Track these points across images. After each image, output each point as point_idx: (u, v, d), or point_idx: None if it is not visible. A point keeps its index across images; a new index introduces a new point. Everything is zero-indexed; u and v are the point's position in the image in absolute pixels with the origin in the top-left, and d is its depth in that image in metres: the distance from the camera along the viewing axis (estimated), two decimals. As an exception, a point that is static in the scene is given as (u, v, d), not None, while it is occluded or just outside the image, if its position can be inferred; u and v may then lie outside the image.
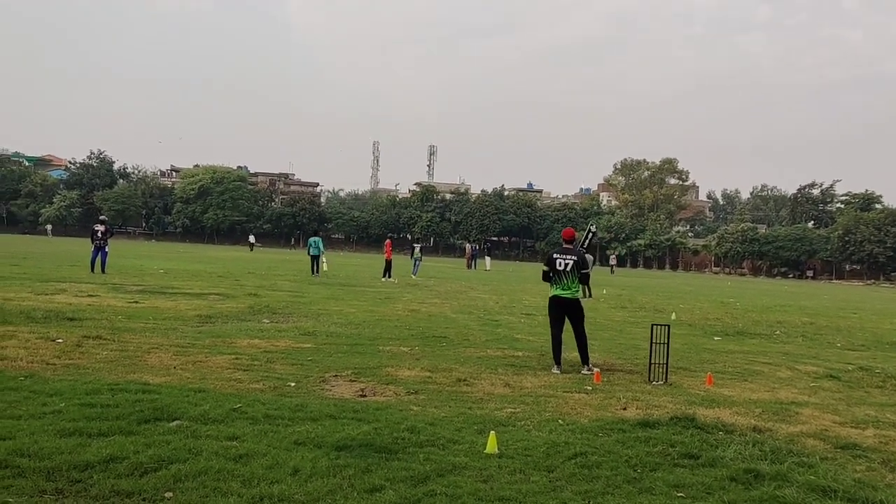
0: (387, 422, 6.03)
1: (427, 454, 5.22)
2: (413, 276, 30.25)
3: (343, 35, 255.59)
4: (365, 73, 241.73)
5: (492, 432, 5.54)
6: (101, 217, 24.83)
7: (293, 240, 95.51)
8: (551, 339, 9.62)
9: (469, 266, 49.19)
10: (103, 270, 21.98)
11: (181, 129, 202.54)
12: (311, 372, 8.19)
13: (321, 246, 28.45)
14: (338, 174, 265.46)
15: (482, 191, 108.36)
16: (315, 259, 28.10)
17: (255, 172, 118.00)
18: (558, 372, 9.20)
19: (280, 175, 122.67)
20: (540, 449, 5.52)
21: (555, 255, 9.70)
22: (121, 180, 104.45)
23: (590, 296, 23.43)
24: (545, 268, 9.78)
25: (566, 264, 9.53)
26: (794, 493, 4.76)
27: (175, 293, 16.99)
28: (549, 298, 9.76)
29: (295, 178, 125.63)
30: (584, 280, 9.85)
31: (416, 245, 34.92)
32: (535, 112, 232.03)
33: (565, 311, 9.58)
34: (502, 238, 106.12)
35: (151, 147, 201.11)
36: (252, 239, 74.03)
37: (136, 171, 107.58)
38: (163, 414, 5.81)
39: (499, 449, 5.39)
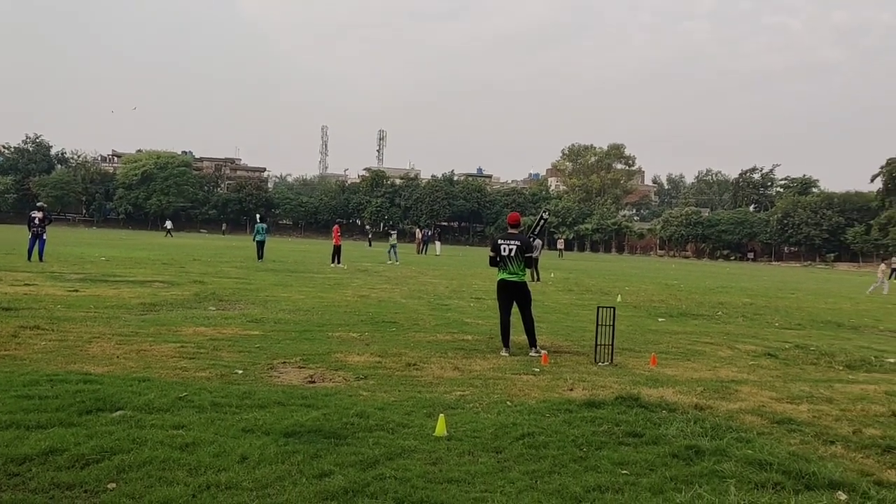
0: (336, 407, 6.01)
1: (376, 438, 5.23)
2: (397, 263, 31.05)
3: (293, 17, 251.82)
4: (315, 57, 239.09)
5: (441, 415, 5.58)
6: (39, 203, 24.07)
7: (224, 225, 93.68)
8: (500, 322, 9.71)
9: (419, 251, 49.22)
10: (41, 258, 21.30)
11: (123, 113, 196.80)
12: (258, 359, 8.11)
13: (264, 232, 28.88)
14: (286, 159, 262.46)
15: (432, 176, 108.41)
16: (260, 245, 28.11)
17: (201, 158, 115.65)
18: (506, 355, 9.30)
19: (226, 160, 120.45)
20: (488, 430, 5.59)
21: (500, 241, 9.77)
22: (59, 165, 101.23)
23: (538, 279, 23.70)
24: (491, 253, 9.85)
25: (510, 249, 9.59)
26: (732, 468, 4.92)
27: (117, 281, 16.59)
28: (497, 282, 9.85)
29: (241, 163, 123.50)
30: (530, 264, 9.94)
31: (392, 232, 36.24)
32: (486, 97, 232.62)
33: (512, 295, 9.67)
34: (452, 223, 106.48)
35: (92, 132, 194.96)
36: (168, 224, 70.33)
37: (75, 157, 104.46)
38: (105, 404, 5.69)
39: (448, 431, 5.43)
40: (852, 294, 27.51)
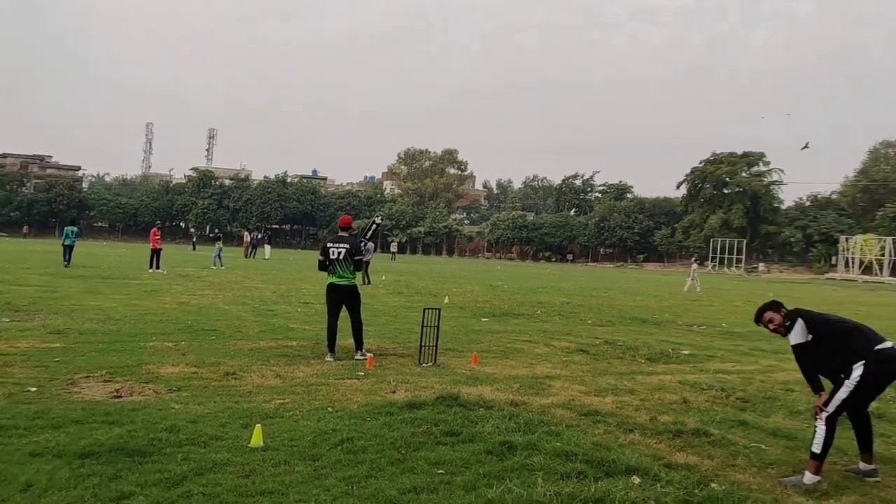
0: (143, 423, 5.66)
1: (186, 453, 4.97)
2: (222, 268, 29.92)
3: (117, 10, 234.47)
4: (140, 53, 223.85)
5: (258, 425, 5.41)
6: None
7: (26, 227, 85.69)
8: (327, 326, 9.59)
9: (247, 255, 47.64)
10: None
11: None
12: (57, 374, 7.46)
13: (74, 236, 26.76)
14: (105, 158, 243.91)
15: (265, 177, 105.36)
16: (68, 249, 25.98)
17: (4, 154, 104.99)
18: (331, 359, 9.21)
19: (35, 157, 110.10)
20: (307, 438, 5.49)
21: (329, 244, 9.70)
22: None
23: (368, 283, 23.71)
24: (321, 257, 9.74)
25: (339, 252, 9.54)
26: (541, 460, 5.16)
27: None
28: (326, 286, 9.74)
29: (53, 160, 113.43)
30: (359, 267, 9.91)
31: (219, 235, 35.15)
32: (321, 98, 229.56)
33: (341, 299, 9.61)
34: (284, 226, 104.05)
35: None
36: (25, 230, 64.11)
37: None
38: None
39: (264, 442, 5.27)
40: (657, 292, 29.91)
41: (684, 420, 6.55)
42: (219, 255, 31.66)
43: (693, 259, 42.23)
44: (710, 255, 74.35)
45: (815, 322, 5.34)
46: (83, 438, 5.14)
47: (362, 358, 9.30)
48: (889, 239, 62.57)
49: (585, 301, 21.70)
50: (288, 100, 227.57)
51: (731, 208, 77.73)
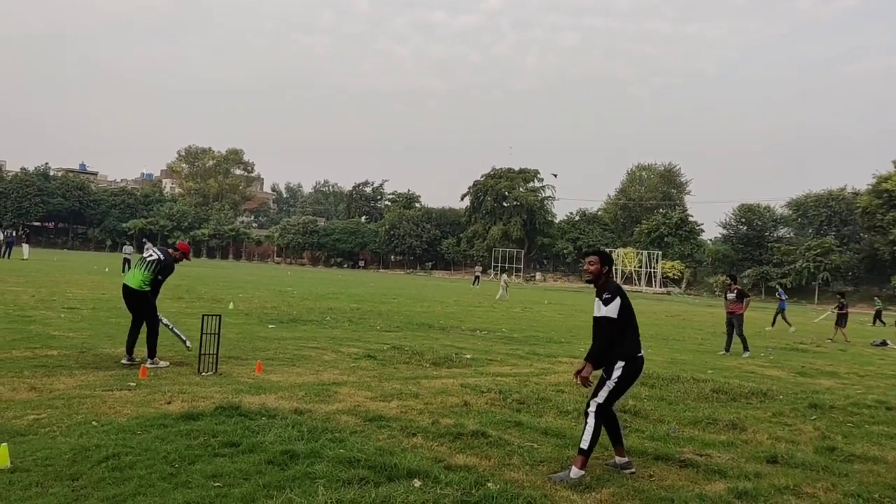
0: None
1: (-89, 481, 4.31)
2: None
3: None
4: None
5: (4, 444, 4.82)
6: None
7: None
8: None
9: (1, 255, 42.55)
10: None
11: None
12: None
13: None
14: None
15: (22, 169, 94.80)
16: None
17: None
18: (126, 362, 8.95)
19: None
20: (65, 456, 5.00)
21: (149, 246, 9.53)
22: None
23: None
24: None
25: (151, 255, 9.41)
26: (324, 468, 5.10)
27: None
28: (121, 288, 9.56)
29: None
30: (155, 280, 9.42)
31: None
32: (91, 86, 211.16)
33: (129, 302, 9.32)
34: (47, 224, 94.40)
35: None
36: None
37: None
38: None
39: (12, 462, 4.72)
40: (444, 298, 30.96)
41: (464, 422, 6.81)
42: None
43: (503, 271, 44.22)
44: (493, 263, 78.42)
45: (625, 307, 5.50)
46: None
47: (153, 366, 8.94)
48: (645, 252, 69.95)
49: (375, 307, 21.92)
50: (46, 84, 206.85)
51: (510, 220, 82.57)
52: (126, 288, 9.26)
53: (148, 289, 9.22)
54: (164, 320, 9.46)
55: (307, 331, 14.33)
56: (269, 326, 14.63)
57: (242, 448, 5.48)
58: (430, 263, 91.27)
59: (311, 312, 18.40)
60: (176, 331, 9.55)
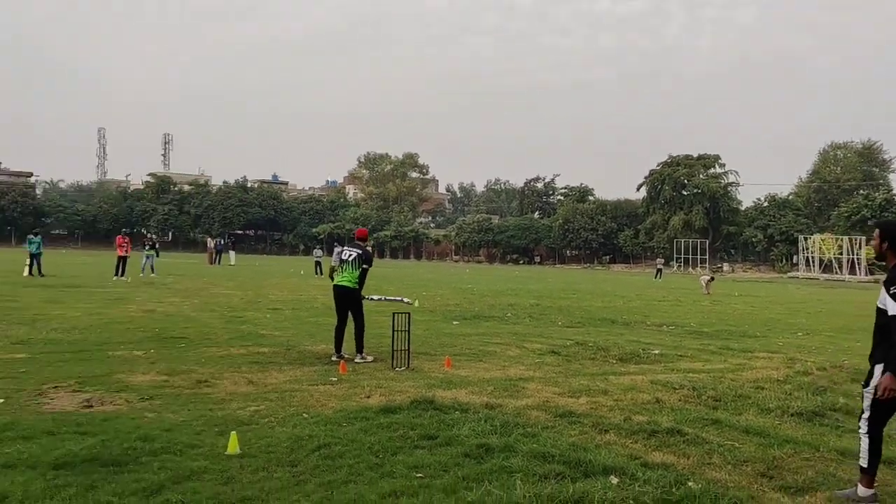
0: (116, 432, 5.57)
1: (162, 462, 4.92)
2: (153, 276, 27.89)
3: (64, 11, 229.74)
4: (88, 53, 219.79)
5: (233, 432, 5.37)
6: None
7: None
8: (335, 328, 10.05)
9: (212, 262, 47.06)
10: None
11: None
12: (24, 385, 7.31)
13: (40, 244, 26.34)
14: (57, 163, 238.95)
15: (224, 182, 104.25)
16: (35, 258, 25.44)
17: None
18: (336, 359, 9.50)
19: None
20: (283, 444, 5.46)
21: (343, 248, 10.47)
22: None
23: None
24: (333, 263, 10.15)
25: (351, 254, 10.06)
26: (519, 462, 5.20)
27: None
28: (332, 289, 10.23)
29: (2, 167, 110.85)
30: (364, 275, 10.08)
31: (151, 239, 32.50)
32: (280, 101, 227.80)
33: (343, 301, 9.98)
34: (248, 231, 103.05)
35: None
36: None
37: None
38: None
39: (241, 449, 5.24)
40: (625, 293, 30.26)
41: (658, 419, 6.65)
42: (149, 261, 28.80)
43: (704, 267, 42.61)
44: (675, 255, 75.41)
45: None
46: (56, 449, 5.05)
47: (362, 360, 9.57)
48: (845, 238, 64.12)
49: (555, 303, 21.87)
50: (243, 103, 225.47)
51: (691, 209, 78.92)
52: (341, 288, 9.96)
53: (358, 285, 9.91)
54: (375, 296, 10.18)
55: (490, 327, 14.60)
56: (454, 323, 15.05)
57: (439, 441, 5.71)
58: (608, 257, 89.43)
59: (492, 309, 18.71)
60: (389, 298, 10.19)
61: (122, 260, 26.26)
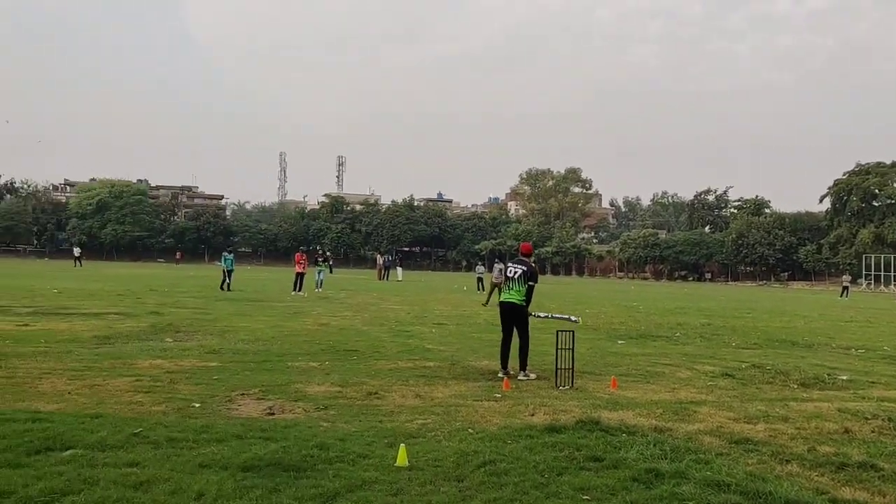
0: (295, 439, 5.93)
1: (337, 470, 5.16)
2: (318, 291, 29.48)
3: (247, 43, 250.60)
4: (270, 83, 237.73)
5: (402, 445, 5.53)
6: None
7: (178, 254, 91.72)
8: (501, 343, 10.11)
9: (381, 277, 49.04)
10: None
11: (75, 141, 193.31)
12: (216, 391, 7.97)
13: (233, 261, 29.09)
14: (244, 187, 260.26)
15: (392, 201, 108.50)
16: (229, 274, 27.98)
17: (157, 186, 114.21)
18: (503, 375, 9.53)
19: (183, 188, 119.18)
20: (450, 459, 5.56)
21: (507, 265, 10.33)
22: (8, 195, 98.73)
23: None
24: (494, 280, 10.28)
25: (515, 272, 10.07)
26: (691, 490, 4.97)
27: (70, 314, 16.19)
28: (498, 304, 10.39)
29: (198, 190, 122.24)
30: (530, 291, 10.08)
31: (322, 255, 34.62)
32: (444, 122, 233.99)
33: (509, 317, 10.03)
34: (414, 248, 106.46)
35: (39, 160, 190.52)
36: (77, 252, 63.44)
37: (25, 186, 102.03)
38: (55, 443, 5.52)
39: (409, 461, 5.39)
40: (806, 312, 28.14)
41: (847, 451, 6.10)
42: (320, 279, 30.35)
43: None
44: (863, 272, 69.12)
45: None
46: (244, 452, 5.46)
47: (525, 378, 9.55)
48: None
49: (727, 322, 20.74)
50: (409, 124, 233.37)
51: (883, 222, 72.13)
52: (508, 304, 10.01)
53: (525, 301, 9.91)
54: (541, 313, 10.15)
55: (657, 347, 14.08)
56: (619, 342, 14.67)
57: (606, 463, 5.58)
58: (786, 274, 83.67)
59: (659, 328, 18.06)
60: (556, 315, 10.12)
61: (300, 276, 28.02)
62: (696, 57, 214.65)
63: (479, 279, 37.65)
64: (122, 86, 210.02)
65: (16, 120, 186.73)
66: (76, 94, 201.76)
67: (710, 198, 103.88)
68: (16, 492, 4.45)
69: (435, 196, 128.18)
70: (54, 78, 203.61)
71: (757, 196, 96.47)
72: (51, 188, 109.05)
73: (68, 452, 5.32)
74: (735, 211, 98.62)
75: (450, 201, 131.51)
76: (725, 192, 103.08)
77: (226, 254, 29.47)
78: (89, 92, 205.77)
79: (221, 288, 27.43)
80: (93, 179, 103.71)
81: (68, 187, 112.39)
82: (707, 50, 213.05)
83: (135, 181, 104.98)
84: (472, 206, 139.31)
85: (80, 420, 6.30)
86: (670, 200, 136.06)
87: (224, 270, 28.41)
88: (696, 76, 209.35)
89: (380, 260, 55.14)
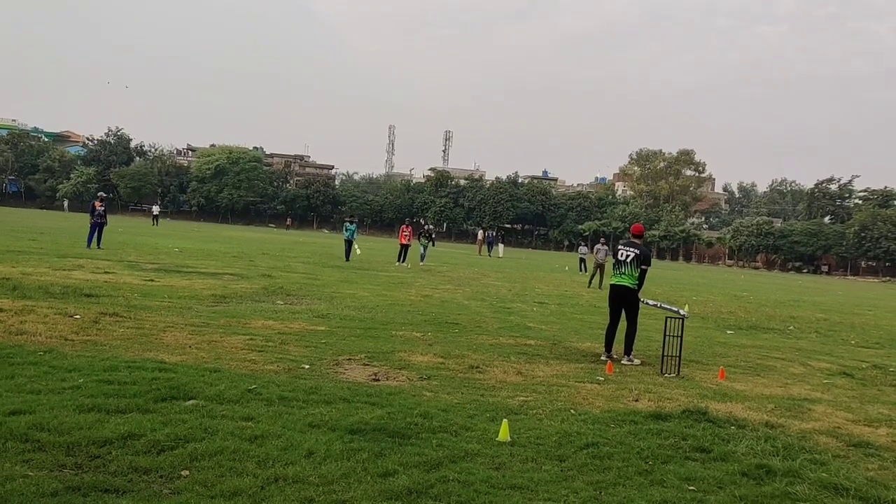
0: (400, 406, 6.07)
1: (440, 440, 5.26)
2: (421, 263, 29.71)
3: (362, 15, 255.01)
4: (383, 57, 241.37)
5: (504, 420, 5.57)
6: (100, 193, 25.85)
7: (289, 220, 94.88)
8: (607, 325, 9.96)
9: (480, 252, 49.19)
10: (99, 245, 22.39)
11: (199, 108, 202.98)
12: (324, 355, 8.25)
13: (355, 231, 28.27)
14: (353, 157, 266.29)
15: (496, 178, 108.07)
16: (349, 244, 27.65)
17: (271, 154, 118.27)
18: (605, 359, 9.46)
19: (296, 157, 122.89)
20: (552, 438, 5.55)
21: (619, 247, 10.04)
22: (137, 158, 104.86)
23: (602, 286, 23.38)
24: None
25: (628, 255, 9.80)
26: (805, 490, 4.77)
27: (190, 272, 17.12)
28: (608, 286, 10.22)
29: (310, 160, 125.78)
30: (643, 275, 9.83)
31: (427, 232, 34.09)
32: (554, 99, 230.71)
33: (619, 300, 9.83)
34: (515, 225, 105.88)
35: (166, 126, 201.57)
36: (156, 210, 63.47)
37: (152, 150, 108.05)
38: (179, 393, 5.88)
39: (511, 437, 5.42)
40: (935, 313, 26.25)
41: (982, 464, 5.68)
42: (425, 252, 30.28)
43: None
44: None
45: None
46: (351, 416, 5.64)
47: (629, 363, 9.43)
48: None
49: (846, 318, 19.64)
50: (517, 100, 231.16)
51: None
52: (620, 287, 9.78)
53: (637, 285, 9.69)
54: (650, 301, 9.94)
55: (769, 339, 13.52)
56: (728, 332, 14.17)
57: (713, 455, 5.42)
58: (915, 271, 78.13)
59: (771, 320, 17.30)
60: (665, 305, 9.86)
61: (405, 248, 28.42)
62: (832, 38, 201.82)
63: (582, 259, 37.12)
64: (241, 56, 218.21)
65: (137, 87, 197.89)
66: (195, 67, 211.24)
67: (833, 187, 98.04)
68: (145, 435, 4.78)
69: (540, 174, 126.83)
70: (171, 48, 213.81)
71: (886, 187, 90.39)
72: (175, 152, 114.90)
73: (190, 402, 5.66)
74: (860, 202, 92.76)
75: (555, 179, 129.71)
76: (850, 181, 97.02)
77: (347, 223, 28.61)
78: (208, 64, 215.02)
79: (347, 259, 26.97)
80: (213, 145, 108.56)
81: (190, 152, 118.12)
82: (845, 30, 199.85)
83: (251, 148, 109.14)
84: (578, 185, 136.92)
85: (200, 373, 6.68)
86: (789, 188, 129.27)
87: (345, 240, 27.87)
88: (834, 59, 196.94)
89: (480, 235, 55.24)
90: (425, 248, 30.64)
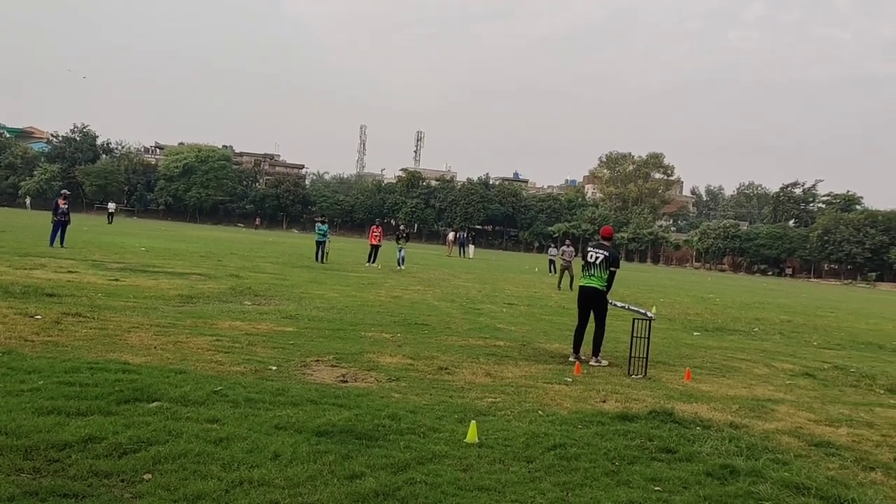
0: (368, 408, 6.03)
1: (408, 442, 5.24)
2: (399, 268, 29.28)
3: (334, 15, 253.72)
4: (355, 57, 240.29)
5: (472, 422, 5.56)
6: (63, 192, 25.28)
7: (258, 220, 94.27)
8: (576, 327, 9.93)
9: (451, 253, 49.22)
10: (62, 244, 21.95)
11: (167, 106, 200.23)
12: (292, 356, 8.17)
13: (327, 232, 27.80)
14: (324, 157, 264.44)
15: (468, 179, 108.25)
16: (320, 245, 27.05)
17: (241, 152, 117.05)
18: (574, 360, 9.47)
19: (265, 156, 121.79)
20: (520, 439, 5.56)
21: (588, 249, 10.11)
22: (104, 155, 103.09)
23: (572, 288, 23.53)
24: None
25: (597, 257, 9.83)
26: (768, 490, 4.83)
27: (156, 272, 16.87)
28: (577, 288, 10.18)
29: (280, 159, 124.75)
30: (611, 277, 9.86)
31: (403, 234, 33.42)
32: (525, 101, 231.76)
33: (589, 301, 9.84)
34: (486, 227, 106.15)
35: (133, 123, 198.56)
36: (111, 208, 59.92)
37: (119, 147, 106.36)
38: (143, 394, 5.78)
39: (479, 438, 5.41)
40: (895, 315, 26.85)
41: (939, 463, 5.82)
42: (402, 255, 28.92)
43: None
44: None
45: None
46: (318, 417, 5.59)
47: (597, 364, 9.47)
48: None
49: (809, 320, 20.00)
50: (489, 101, 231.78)
51: None
52: (588, 289, 9.79)
53: (606, 286, 9.72)
54: (619, 303, 9.98)
55: (734, 341, 13.70)
56: (694, 334, 14.34)
57: (679, 456, 5.48)
58: (874, 274, 79.86)
59: (736, 322, 17.56)
60: (633, 307, 9.90)
61: (375, 248, 28.29)
62: (798, 43, 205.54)
63: (552, 261, 37.33)
64: (211, 52, 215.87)
65: (105, 84, 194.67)
66: (167, 62, 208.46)
67: (798, 191, 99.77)
68: (107, 437, 4.69)
69: (511, 175, 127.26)
70: (138, 44, 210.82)
71: (848, 191, 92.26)
72: (142, 150, 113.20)
73: (154, 404, 5.56)
74: (823, 206, 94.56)
75: (525, 181, 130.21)
76: (814, 185, 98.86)
77: (318, 223, 27.95)
78: (179, 59, 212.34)
79: (317, 260, 26.41)
80: (181, 143, 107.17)
81: (158, 150, 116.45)
82: (808, 36, 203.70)
83: (220, 147, 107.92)
84: (549, 186, 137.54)
85: (165, 374, 6.57)
86: (755, 192, 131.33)
87: (316, 242, 27.37)
88: (798, 65, 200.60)
89: (451, 236, 55.29)
90: (402, 251, 29.82)
